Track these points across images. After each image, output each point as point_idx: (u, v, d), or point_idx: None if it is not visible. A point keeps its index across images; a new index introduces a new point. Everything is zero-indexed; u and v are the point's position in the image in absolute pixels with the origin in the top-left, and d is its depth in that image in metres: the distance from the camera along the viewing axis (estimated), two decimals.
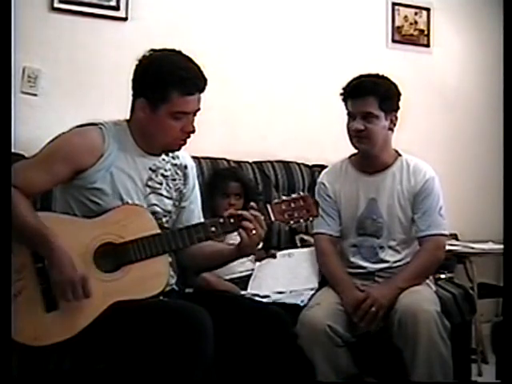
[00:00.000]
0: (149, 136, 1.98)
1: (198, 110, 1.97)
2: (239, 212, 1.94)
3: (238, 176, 2.75)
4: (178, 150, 2.04)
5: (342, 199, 2.44)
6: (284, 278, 2.47)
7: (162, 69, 1.91)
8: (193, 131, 1.97)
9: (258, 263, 2.59)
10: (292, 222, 2.01)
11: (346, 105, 2.39)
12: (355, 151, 2.44)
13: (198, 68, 1.95)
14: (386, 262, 2.37)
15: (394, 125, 2.39)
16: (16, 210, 1.76)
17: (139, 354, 1.74)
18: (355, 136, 2.34)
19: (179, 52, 1.97)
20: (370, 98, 2.30)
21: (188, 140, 2.00)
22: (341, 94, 2.39)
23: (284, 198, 2.02)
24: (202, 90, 1.94)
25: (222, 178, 2.70)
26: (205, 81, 1.94)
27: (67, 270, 1.77)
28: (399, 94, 2.39)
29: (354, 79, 2.38)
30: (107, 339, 1.81)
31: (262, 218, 1.93)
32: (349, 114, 2.36)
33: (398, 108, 2.39)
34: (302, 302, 2.29)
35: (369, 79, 2.36)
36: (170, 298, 1.98)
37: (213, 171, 2.85)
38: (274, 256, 2.59)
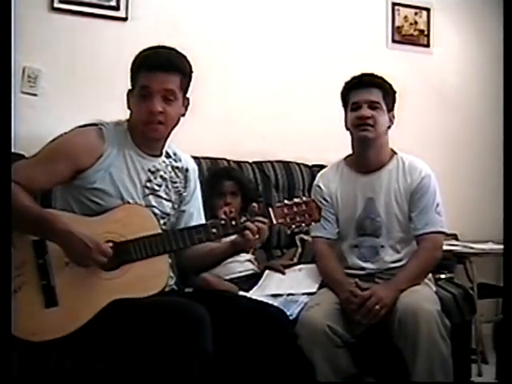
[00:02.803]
0: (135, 127, 1.98)
1: (171, 93, 1.92)
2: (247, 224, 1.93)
3: (232, 175, 2.74)
4: (155, 137, 1.99)
5: (339, 201, 2.44)
6: (286, 284, 2.46)
7: (137, 55, 1.98)
8: (159, 112, 1.91)
9: (267, 271, 2.57)
10: (293, 227, 2.02)
11: (347, 98, 2.40)
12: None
13: (174, 53, 1.97)
14: (386, 261, 2.37)
15: (392, 123, 2.41)
16: (18, 202, 1.76)
17: (138, 352, 1.74)
18: (361, 124, 2.33)
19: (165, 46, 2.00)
20: (376, 89, 2.35)
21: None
22: (344, 88, 2.41)
23: (286, 201, 2.02)
24: (165, 68, 1.92)
25: (217, 178, 2.70)
26: (171, 62, 1.94)
27: (80, 248, 1.77)
28: (395, 95, 2.42)
29: (356, 76, 2.41)
30: (107, 337, 1.81)
31: (265, 226, 1.94)
32: (353, 104, 2.37)
33: (393, 108, 2.42)
34: (290, 315, 2.18)
35: (372, 75, 2.40)
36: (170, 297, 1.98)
37: (209, 171, 2.84)
38: (283, 273, 2.56)
